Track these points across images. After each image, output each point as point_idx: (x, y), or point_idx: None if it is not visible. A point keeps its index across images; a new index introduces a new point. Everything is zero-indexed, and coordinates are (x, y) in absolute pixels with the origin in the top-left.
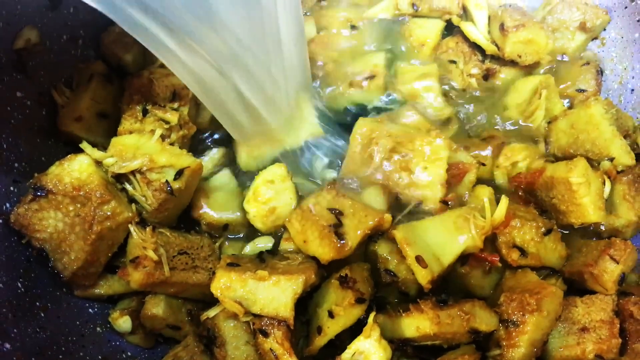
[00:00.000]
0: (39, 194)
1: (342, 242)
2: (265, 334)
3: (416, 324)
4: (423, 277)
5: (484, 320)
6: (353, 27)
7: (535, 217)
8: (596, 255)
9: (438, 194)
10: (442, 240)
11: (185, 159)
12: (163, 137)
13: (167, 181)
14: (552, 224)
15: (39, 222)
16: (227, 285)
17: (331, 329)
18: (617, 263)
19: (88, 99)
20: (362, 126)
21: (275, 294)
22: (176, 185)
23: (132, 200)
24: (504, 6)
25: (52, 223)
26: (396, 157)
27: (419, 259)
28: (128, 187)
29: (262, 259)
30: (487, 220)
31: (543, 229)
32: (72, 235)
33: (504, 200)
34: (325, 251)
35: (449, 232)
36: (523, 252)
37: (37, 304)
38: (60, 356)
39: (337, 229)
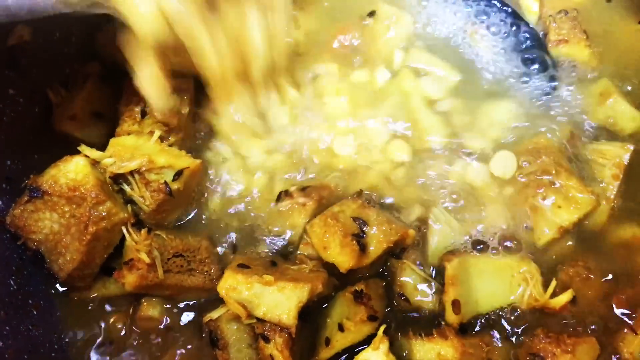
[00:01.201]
0: (34, 195)
1: (363, 252)
2: (267, 340)
3: (438, 350)
4: (452, 320)
5: (502, 355)
6: None
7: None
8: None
9: (549, 235)
10: (492, 288)
11: (185, 160)
12: (162, 139)
13: (165, 182)
14: (615, 290)
15: (35, 223)
16: (233, 286)
17: (339, 342)
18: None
19: (83, 98)
20: (540, 143)
21: (280, 300)
22: (175, 186)
23: (129, 201)
24: (560, 13)
25: (48, 224)
26: (545, 177)
27: (454, 304)
28: (126, 188)
29: (273, 262)
30: (543, 297)
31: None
32: (68, 236)
33: (568, 294)
34: (345, 259)
35: (503, 283)
36: (575, 301)
37: (30, 301)
38: (53, 354)
39: (359, 239)
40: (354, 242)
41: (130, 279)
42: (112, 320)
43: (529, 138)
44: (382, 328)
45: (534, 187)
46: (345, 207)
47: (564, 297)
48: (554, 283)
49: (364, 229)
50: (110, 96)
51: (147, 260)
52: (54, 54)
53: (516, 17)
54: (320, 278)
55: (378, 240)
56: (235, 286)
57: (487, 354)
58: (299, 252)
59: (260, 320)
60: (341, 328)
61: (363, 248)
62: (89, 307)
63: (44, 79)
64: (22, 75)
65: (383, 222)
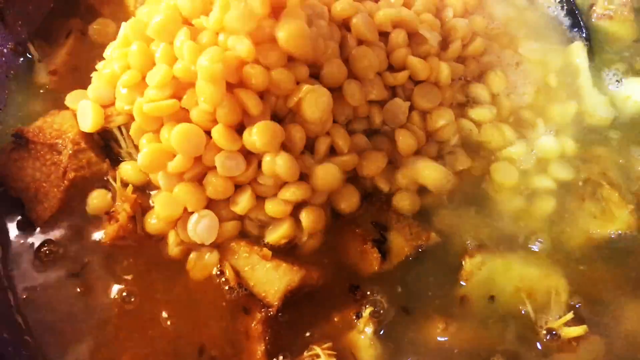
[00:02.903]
0: (19, 143)
1: (384, 259)
2: (247, 312)
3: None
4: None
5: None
6: None
7: None
8: None
9: (576, 241)
10: (510, 293)
11: None
12: None
13: None
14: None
15: (18, 171)
16: (234, 250)
17: (321, 330)
18: None
19: (64, 54)
20: (598, 151)
21: (271, 277)
22: None
23: (117, 157)
24: None
25: (30, 172)
26: (589, 186)
27: (463, 299)
28: (114, 145)
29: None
30: (557, 322)
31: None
32: (47, 183)
33: (580, 330)
34: (366, 266)
35: (523, 292)
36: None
37: None
38: None
39: (380, 244)
40: (375, 248)
41: (109, 230)
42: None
43: (589, 144)
44: (368, 310)
45: (574, 192)
46: (363, 210)
47: (575, 332)
48: (570, 315)
49: (385, 234)
50: (91, 52)
51: (128, 211)
52: (39, 8)
53: None
54: (316, 270)
55: (400, 246)
56: (236, 250)
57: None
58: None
59: (247, 291)
60: (327, 316)
61: (384, 255)
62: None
63: (28, 32)
64: (7, 27)
65: (404, 226)
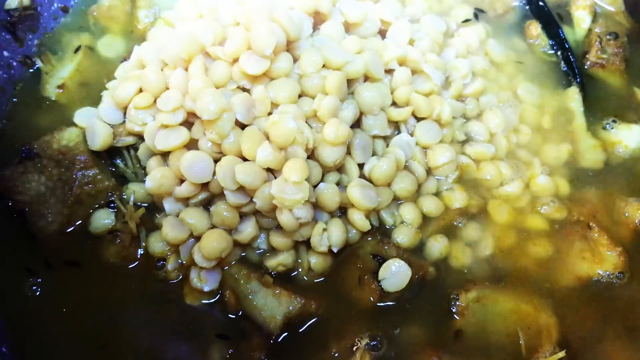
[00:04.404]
0: (25, 156)
1: (384, 292)
2: (244, 336)
3: None
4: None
5: None
6: None
7: None
8: None
9: (566, 281)
10: (503, 329)
11: None
12: None
13: None
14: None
15: (22, 184)
16: (234, 275)
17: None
18: None
19: (73, 69)
20: (589, 193)
21: (270, 304)
22: None
23: (122, 178)
24: (610, 35)
25: (35, 186)
26: (579, 228)
27: (458, 334)
28: (120, 164)
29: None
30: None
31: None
32: (53, 198)
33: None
34: (365, 298)
35: (515, 328)
36: None
37: None
38: None
39: (378, 276)
40: (374, 280)
41: (112, 249)
42: None
43: (581, 186)
44: (364, 341)
45: (565, 233)
46: (364, 242)
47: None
48: (562, 353)
49: None
50: (99, 68)
51: (134, 231)
52: (50, 23)
53: None
54: (315, 300)
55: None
56: (237, 276)
57: None
58: None
59: (245, 316)
60: (324, 346)
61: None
62: None
63: (38, 46)
64: (18, 40)
65: (402, 260)
